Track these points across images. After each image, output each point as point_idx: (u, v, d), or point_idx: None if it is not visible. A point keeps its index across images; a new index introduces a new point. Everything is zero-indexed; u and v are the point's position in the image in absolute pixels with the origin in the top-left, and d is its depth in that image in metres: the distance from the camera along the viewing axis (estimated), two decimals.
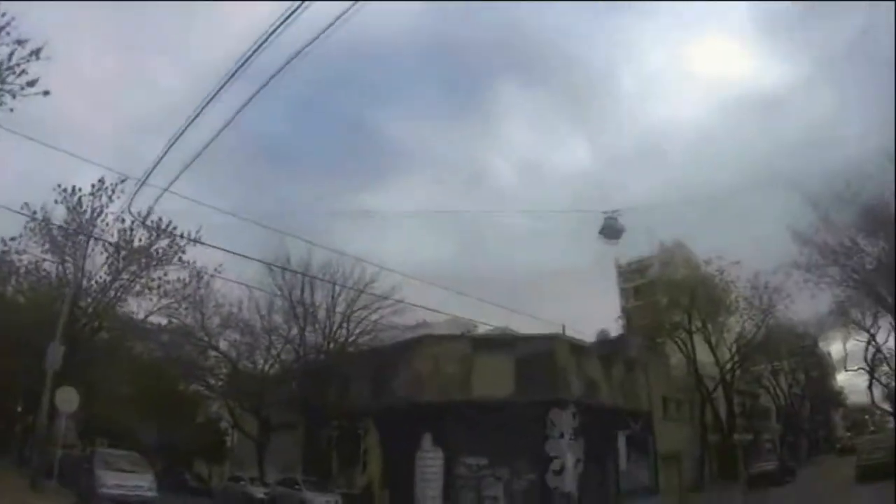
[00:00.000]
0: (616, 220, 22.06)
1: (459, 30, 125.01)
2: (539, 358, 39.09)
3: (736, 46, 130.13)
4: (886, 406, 72.99)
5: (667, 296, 50.88)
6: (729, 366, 54.14)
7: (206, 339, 45.10)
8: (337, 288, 41.65)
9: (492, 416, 37.06)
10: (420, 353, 40.66)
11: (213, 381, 50.86)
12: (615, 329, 50.48)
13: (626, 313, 53.86)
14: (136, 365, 47.68)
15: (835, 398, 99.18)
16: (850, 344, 58.94)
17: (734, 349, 54.24)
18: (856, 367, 64.92)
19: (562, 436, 37.90)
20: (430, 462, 38.02)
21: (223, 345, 46.44)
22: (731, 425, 54.42)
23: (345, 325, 42.61)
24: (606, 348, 44.82)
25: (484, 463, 37.64)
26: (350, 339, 42.60)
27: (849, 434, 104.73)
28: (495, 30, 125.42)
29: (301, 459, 44.55)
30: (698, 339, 52.03)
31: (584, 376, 41.49)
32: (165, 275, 36.67)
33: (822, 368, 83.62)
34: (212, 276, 37.13)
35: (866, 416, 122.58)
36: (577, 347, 41.48)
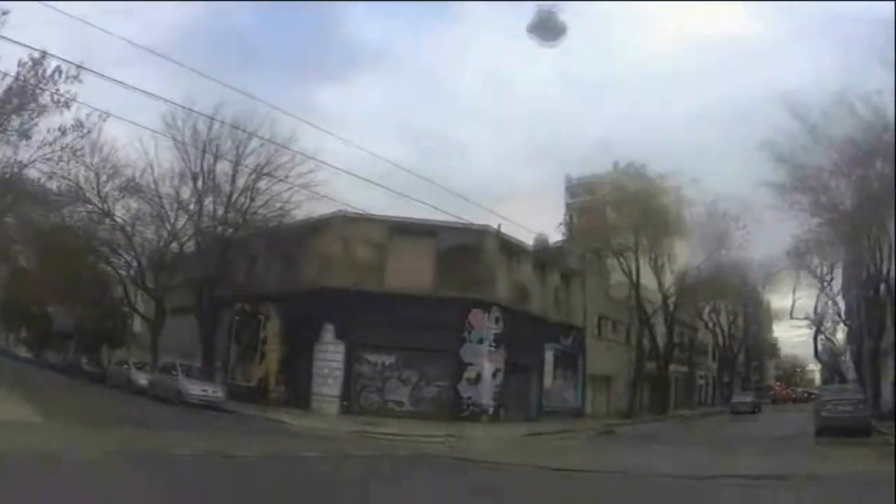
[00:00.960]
0: (555, 14, 14.53)
1: None
2: (464, 251, 33.26)
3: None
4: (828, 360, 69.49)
5: (614, 210, 44.82)
6: (672, 291, 48.62)
7: (100, 205, 37.94)
8: (242, 147, 34.38)
9: (404, 312, 31.52)
10: (330, 233, 34.40)
11: (112, 258, 43.74)
12: (555, 239, 44.44)
13: (570, 226, 47.13)
14: (34, 232, 41.20)
15: (769, 347, 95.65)
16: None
17: (680, 277, 48.64)
18: (801, 317, 60.79)
19: (481, 341, 32.30)
20: (330, 357, 32.51)
21: (120, 213, 39.28)
22: (668, 355, 49.19)
23: (249, 193, 35.59)
24: (543, 254, 38.84)
25: (390, 362, 32.28)
26: (253, 211, 35.67)
27: (778, 384, 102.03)
28: None
29: (199, 347, 38.38)
30: (643, 263, 46.25)
31: (513, 278, 35.72)
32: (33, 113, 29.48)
33: (760, 314, 79.28)
34: (100, 116, 29.88)
35: (797, 369, 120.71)
36: (508, 245, 35.47)
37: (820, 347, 65.24)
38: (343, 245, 33.61)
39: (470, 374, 31.81)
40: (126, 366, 38.65)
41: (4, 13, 27.06)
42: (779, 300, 70.59)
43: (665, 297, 47.63)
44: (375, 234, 33.62)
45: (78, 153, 32.49)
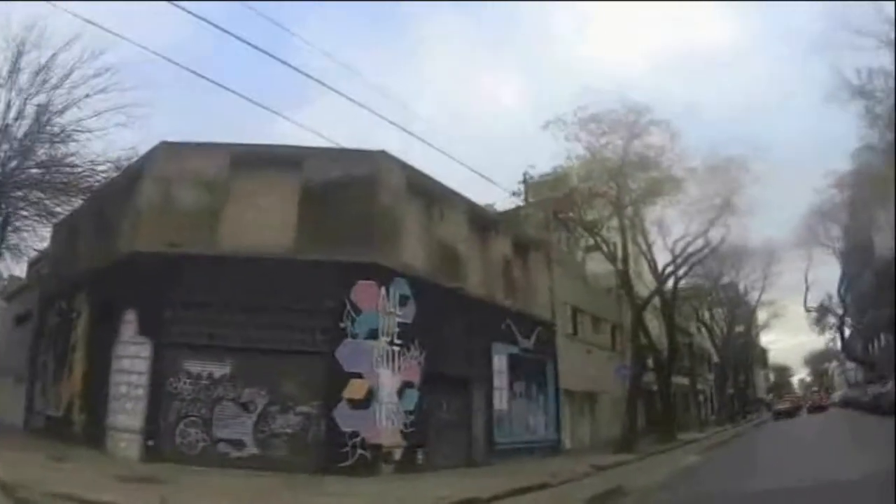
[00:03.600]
0: None
1: None
2: (346, 189, 18.10)
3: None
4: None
5: (584, 167, 29.23)
6: (670, 269, 33.14)
7: None
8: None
9: (247, 287, 17.08)
10: (150, 172, 19.13)
11: None
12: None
13: (527, 193, 30.93)
14: None
15: (760, 356, 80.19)
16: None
17: (677, 251, 33.09)
18: (814, 305, 47.59)
19: (374, 335, 17.17)
20: (133, 362, 17.18)
21: None
22: (671, 363, 33.58)
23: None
24: (486, 213, 23.83)
25: (222, 374, 16.97)
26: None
27: (770, 395, 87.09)
28: None
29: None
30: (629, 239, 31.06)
31: (433, 235, 20.42)
32: None
33: (750, 320, 63.83)
34: None
35: (788, 379, 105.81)
36: (424, 186, 20.23)
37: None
38: (163, 189, 18.54)
39: (354, 391, 16.61)
40: None
41: None
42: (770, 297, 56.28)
43: (661, 279, 32.27)
44: (210, 170, 18.58)
45: None
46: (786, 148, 78.16)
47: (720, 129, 65.39)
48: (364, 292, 17.13)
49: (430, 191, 20.23)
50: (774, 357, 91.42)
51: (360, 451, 16.23)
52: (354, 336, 16.82)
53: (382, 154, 18.63)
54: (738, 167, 29.70)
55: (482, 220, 22.83)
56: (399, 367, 17.48)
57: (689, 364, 42.39)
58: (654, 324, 34.81)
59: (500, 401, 22.40)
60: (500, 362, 22.54)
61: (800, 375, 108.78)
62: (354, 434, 16.28)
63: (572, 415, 28.27)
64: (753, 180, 30.15)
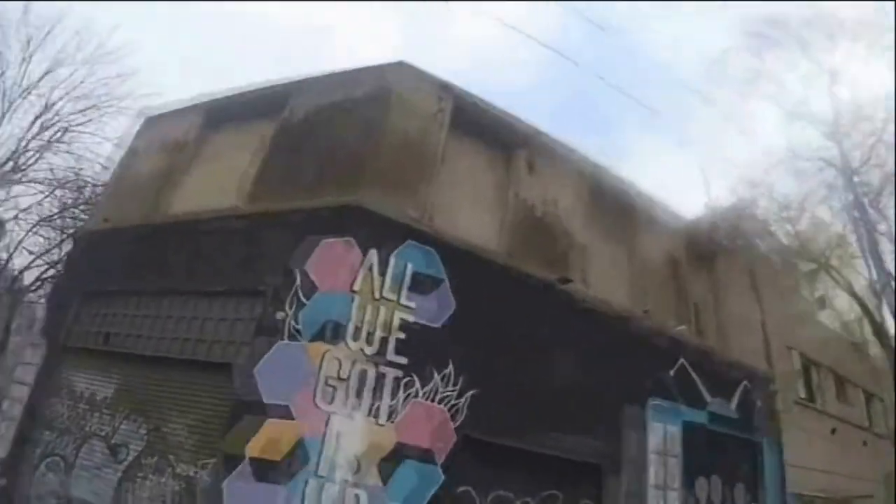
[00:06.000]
0: None
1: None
2: (341, 117, 9.53)
3: None
4: None
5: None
6: None
7: None
8: None
9: (171, 264, 9.39)
10: (136, 141, 12.43)
11: None
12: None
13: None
14: None
15: None
16: None
17: None
18: None
19: (330, 334, 7.64)
20: (24, 370, 10.24)
21: None
22: None
23: None
24: (637, 193, 13.28)
25: (104, 395, 8.92)
26: None
27: None
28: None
29: None
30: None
31: (510, 194, 10.43)
32: None
33: None
34: None
35: None
36: (490, 119, 10.45)
37: None
38: (126, 164, 12.33)
39: (267, 443, 7.19)
40: None
41: None
42: None
43: None
44: (176, 134, 11.53)
45: None
46: None
47: None
48: (329, 256, 8.01)
49: (507, 129, 10.69)
50: None
51: None
52: (295, 335, 7.61)
53: (401, 66, 9.69)
54: None
55: (619, 194, 12.59)
56: (393, 413, 7.80)
57: None
58: None
59: None
60: (664, 437, 11.51)
61: None
62: None
63: None
64: None
